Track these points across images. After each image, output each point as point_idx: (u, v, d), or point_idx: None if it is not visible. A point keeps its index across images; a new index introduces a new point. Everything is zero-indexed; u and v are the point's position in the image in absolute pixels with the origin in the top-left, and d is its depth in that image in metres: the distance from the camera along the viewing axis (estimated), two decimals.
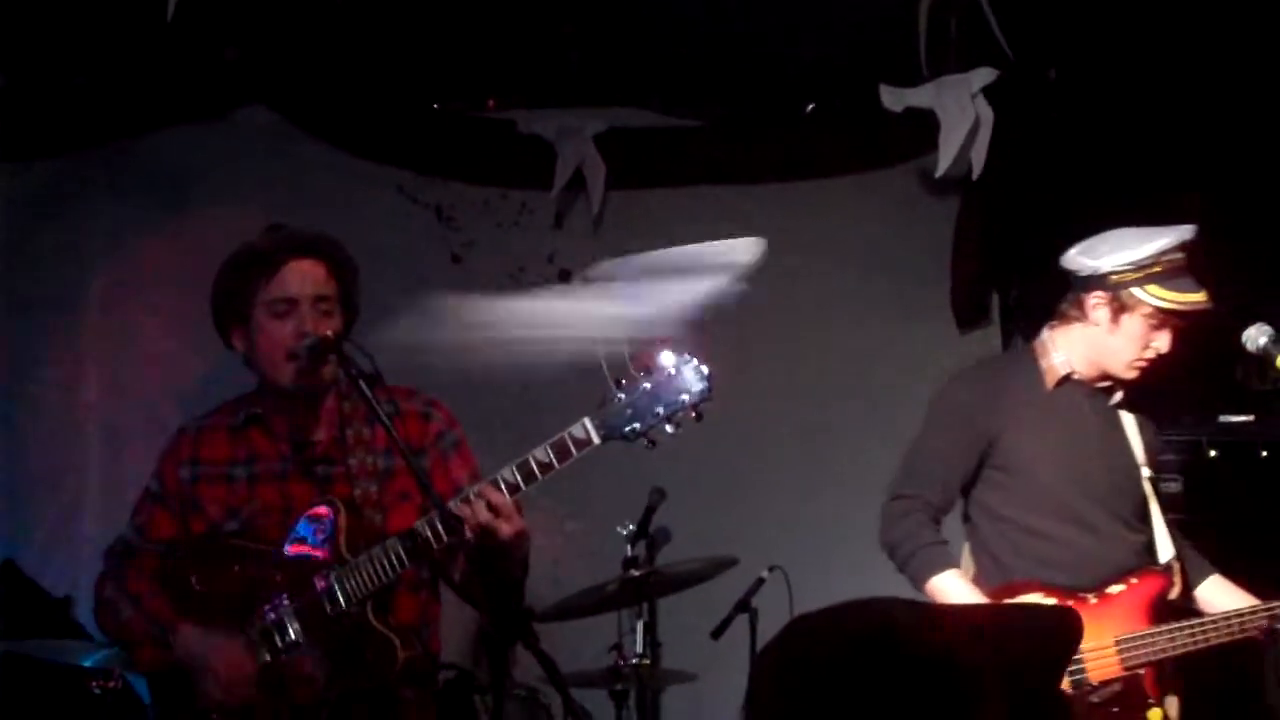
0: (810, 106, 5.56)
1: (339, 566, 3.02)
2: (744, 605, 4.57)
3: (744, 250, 3.97)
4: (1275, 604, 3.61)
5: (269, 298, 3.13)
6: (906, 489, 3.74)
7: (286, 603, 3.06)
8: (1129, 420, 3.80)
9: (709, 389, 2.89)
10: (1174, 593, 3.69)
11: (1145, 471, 3.78)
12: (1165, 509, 4.56)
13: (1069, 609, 1.47)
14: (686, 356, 2.91)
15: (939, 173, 5.29)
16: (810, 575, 4.57)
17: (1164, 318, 3.61)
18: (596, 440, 2.90)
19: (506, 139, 5.59)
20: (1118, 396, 3.77)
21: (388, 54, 5.40)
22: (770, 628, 4.67)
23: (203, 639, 3.08)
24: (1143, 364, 3.68)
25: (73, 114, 5.41)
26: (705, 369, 2.89)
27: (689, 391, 2.88)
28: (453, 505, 2.91)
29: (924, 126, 5.26)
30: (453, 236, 5.75)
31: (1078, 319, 3.71)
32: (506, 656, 3.08)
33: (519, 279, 5.73)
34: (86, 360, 5.60)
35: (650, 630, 4.53)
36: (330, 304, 3.14)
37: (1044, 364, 3.76)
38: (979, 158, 5.26)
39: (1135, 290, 3.60)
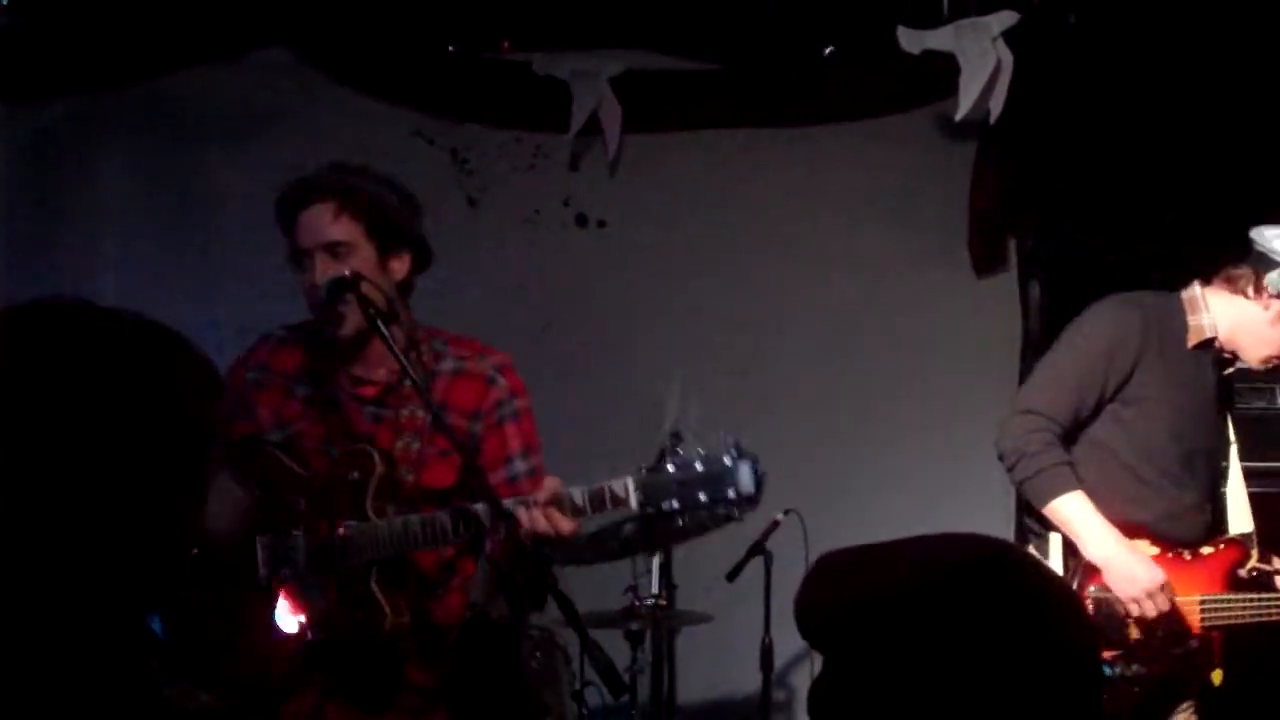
0: (829, 50, 5.52)
1: (361, 522, 3.00)
2: (759, 548, 4.60)
3: None
4: None
5: (291, 251, 3.12)
6: (1038, 405, 3.66)
7: (299, 533, 3.04)
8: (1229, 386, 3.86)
9: (757, 495, 2.79)
10: (1248, 564, 3.71)
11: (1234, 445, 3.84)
12: None
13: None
14: (746, 453, 2.82)
15: (958, 116, 5.26)
16: (825, 518, 4.59)
17: None
18: (634, 505, 2.83)
19: (522, 81, 5.56)
20: (1232, 367, 3.80)
21: None
22: (784, 570, 4.71)
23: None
24: (1276, 361, 3.72)
25: (88, 54, 5.39)
26: (759, 471, 2.79)
27: (738, 490, 2.78)
28: (511, 504, 2.91)
29: (943, 70, 5.23)
30: (468, 180, 5.73)
31: (1243, 293, 3.68)
32: (524, 597, 3.08)
33: (535, 222, 5.73)
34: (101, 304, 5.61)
35: (666, 572, 4.56)
36: (345, 248, 3.05)
37: (1192, 320, 3.73)
38: (998, 102, 5.22)
39: None
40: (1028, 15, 5.13)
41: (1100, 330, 3.70)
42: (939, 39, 5.16)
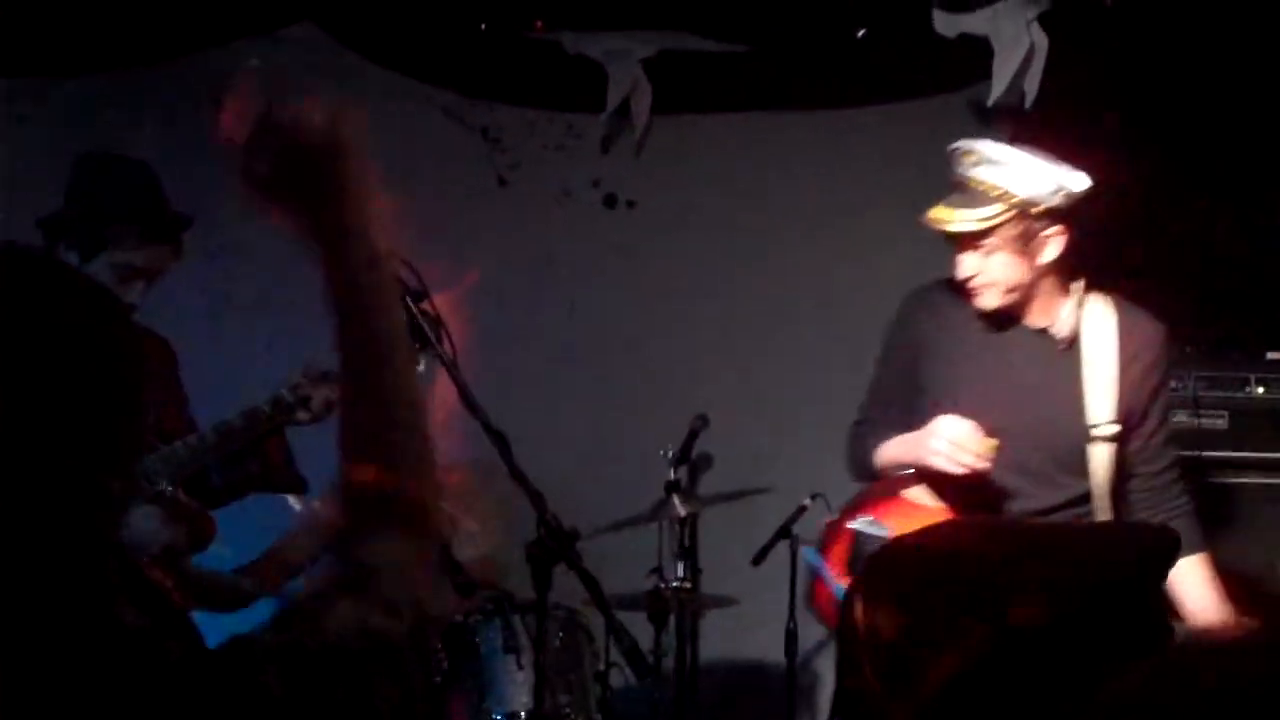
0: (861, 32, 5.49)
1: None
2: (785, 532, 4.58)
3: None
4: None
5: None
6: (864, 413, 3.83)
7: None
8: (1100, 372, 3.56)
9: None
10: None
11: (1101, 428, 3.55)
12: (1209, 446, 4.50)
13: (1168, 529, 1.45)
14: None
15: (991, 100, 5.22)
16: None
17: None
18: None
19: (554, 60, 5.55)
20: (1061, 338, 3.59)
21: None
22: None
23: None
24: (967, 288, 3.57)
25: (118, 30, 5.39)
26: None
27: None
28: None
29: (977, 53, 5.19)
30: (499, 159, 5.73)
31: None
32: (550, 577, 3.08)
33: (564, 202, 5.72)
34: None
35: (691, 555, 4.55)
36: None
37: None
38: (1032, 86, 5.18)
39: None
40: None
41: (892, 327, 3.79)
42: (974, 22, 5.12)
